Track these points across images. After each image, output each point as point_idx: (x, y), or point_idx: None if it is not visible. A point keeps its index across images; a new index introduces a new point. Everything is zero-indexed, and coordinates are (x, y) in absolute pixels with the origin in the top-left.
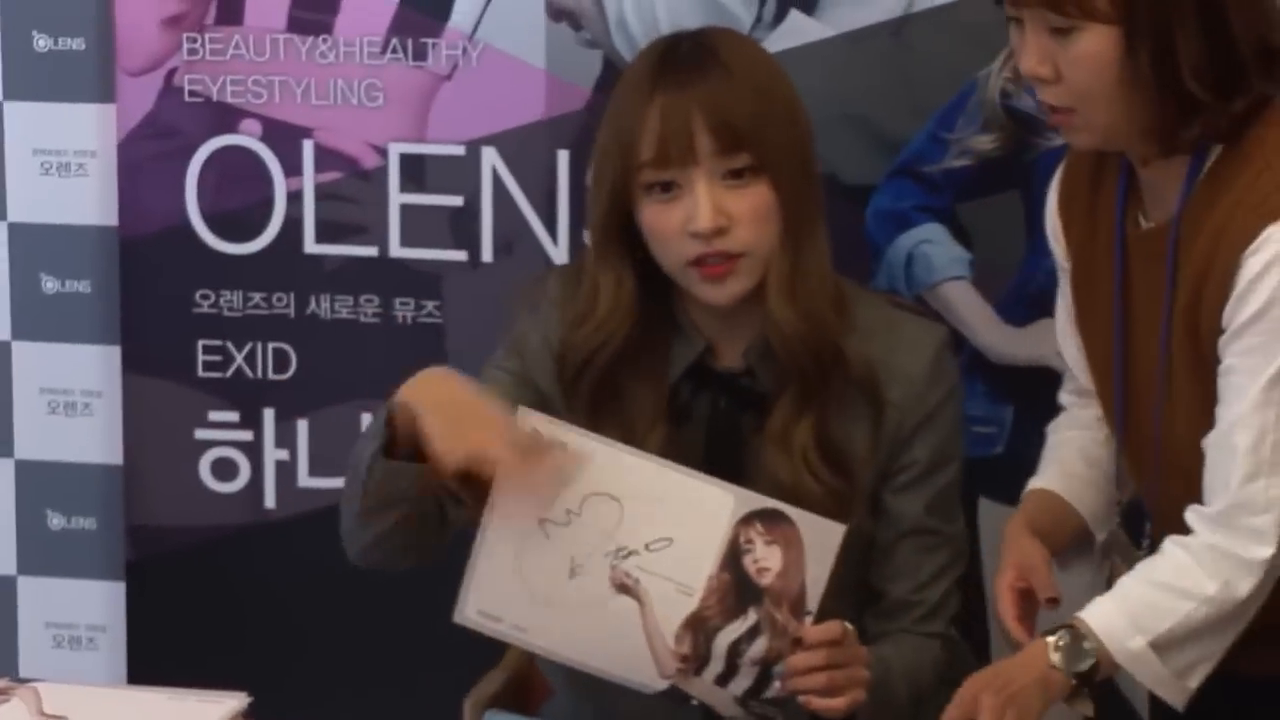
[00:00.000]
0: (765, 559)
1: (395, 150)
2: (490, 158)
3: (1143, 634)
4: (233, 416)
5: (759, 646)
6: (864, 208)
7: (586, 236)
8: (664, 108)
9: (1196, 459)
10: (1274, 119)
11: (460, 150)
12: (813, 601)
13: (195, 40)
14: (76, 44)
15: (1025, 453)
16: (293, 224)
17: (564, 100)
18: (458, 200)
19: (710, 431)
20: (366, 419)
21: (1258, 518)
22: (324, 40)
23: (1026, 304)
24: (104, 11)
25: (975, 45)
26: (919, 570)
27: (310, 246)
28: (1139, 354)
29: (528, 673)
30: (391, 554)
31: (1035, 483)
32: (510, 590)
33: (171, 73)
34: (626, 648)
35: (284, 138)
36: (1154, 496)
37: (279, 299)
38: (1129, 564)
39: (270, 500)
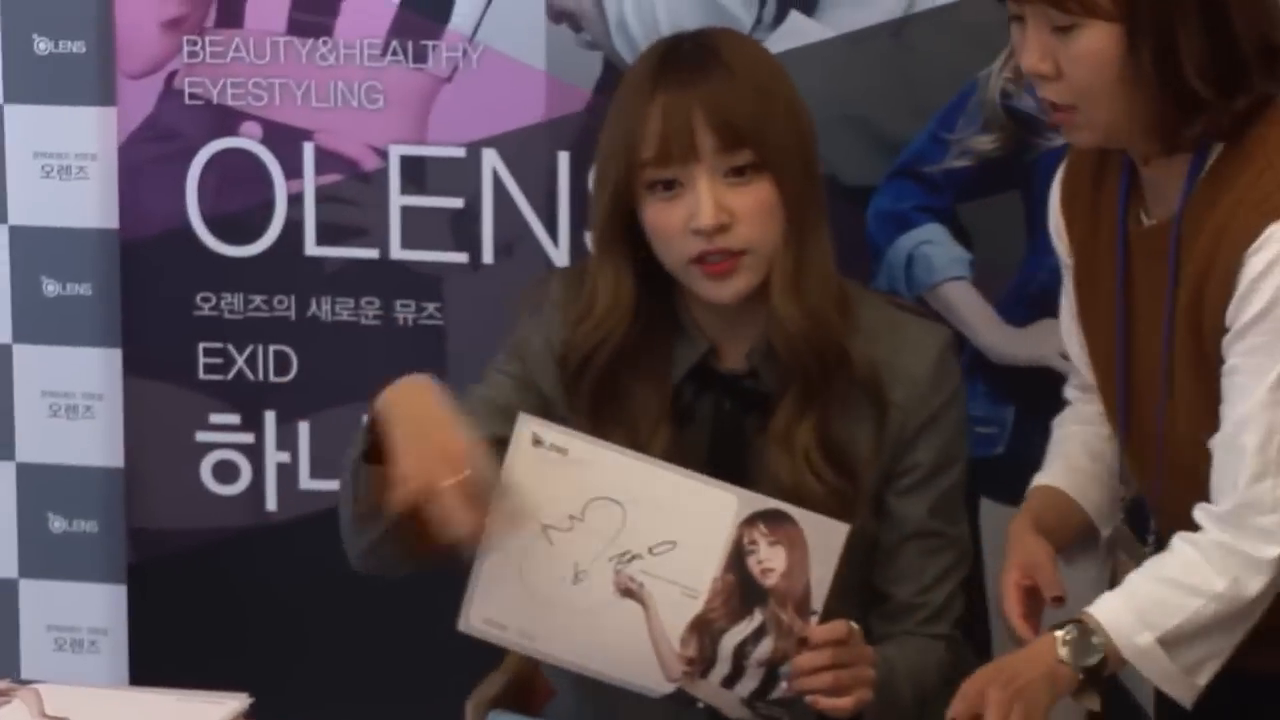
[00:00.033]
0: (769, 560)
1: (396, 152)
2: (491, 159)
3: (1151, 630)
4: (234, 419)
5: (765, 647)
6: (864, 209)
7: (588, 238)
8: (666, 106)
9: (1198, 457)
10: (1275, 117)
11: (461, 152)
12: (818, 601)
13: (195, 43)
14: (77, 47)
15: (1026, 453)
16: (293, 226)
17: (564, 102)
18: (458, 202)
19: (714, 433)
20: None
21: (1266, 517)
22: (324, 43)
23: (1027, 304)
24: (104, 14)
25: (975, 46)
26: (923, 573)
27: (311, 249)
28: (1141, 351)
29: (529, 674)
30: (389, 560)
31: (1040, 479)
32: (514, 598)
33: (172, 75)
34: (632, 652)
35: (284, 140)
36: (1156, 494)
37: (280, 301)
38: (1134, 559)
39: (271, 503)
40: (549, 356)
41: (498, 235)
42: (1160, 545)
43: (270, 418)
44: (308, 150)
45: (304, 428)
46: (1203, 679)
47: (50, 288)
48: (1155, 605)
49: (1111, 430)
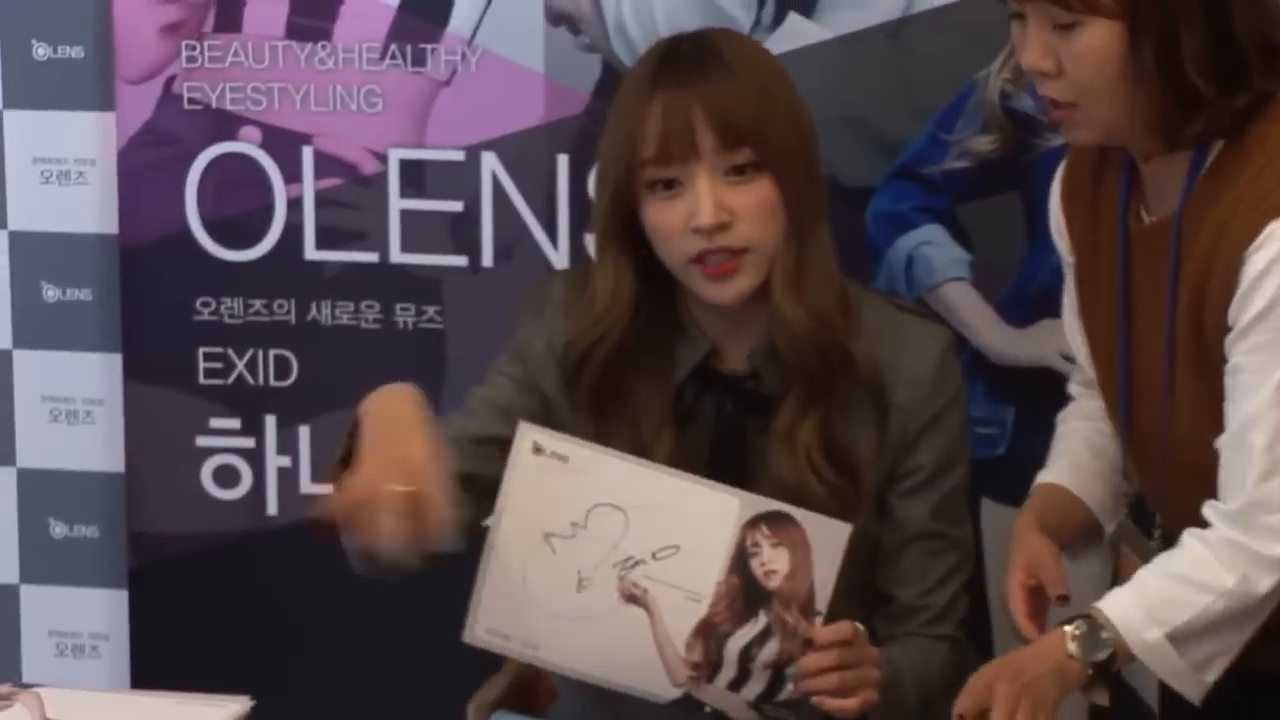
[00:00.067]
0: (773, 562)
1: (395, 156)
2: (490, 163)
3: (1160, 626)
4: (234, 423)
5: (770, 650)
6: (863, 210)
7: (587, 241)
8: (665, 106)
9: (1200, 454)
10: (1275, 115)
11: (460, 155)
12: (822, 602)
13: (194, 48)
14: (75, 52)
15: (1027, 454)
16: (293, 230)
17: (563, 105)
18: (458, 205)
19: (716, 434)
20: None
21: (1275, 515)
22: (323, 47)
23: (1027, 305)
24: (103, 19)
25: (974, 46)
26: (926, 574)
27: (310, 253)
28: (1142, 349)
29: (531, 677)
30: (387, 562)
31: (1043, 476)
32: (518, 607)
33: (170, 80)
34: (638, 658)
35: (283, 144)
36: (1158, 491)
37: (280, 306)
38: (1138, 552)
39: (272, 507)
40: (550, 358)
41: (497, 238)
42: (1166, 539)
43: (271, 422)
44: (307, 154)
45: (304, 432)
46: (1211, 676)
47: (50, 293)
48: (1164, 601)
49: (1114, 426)
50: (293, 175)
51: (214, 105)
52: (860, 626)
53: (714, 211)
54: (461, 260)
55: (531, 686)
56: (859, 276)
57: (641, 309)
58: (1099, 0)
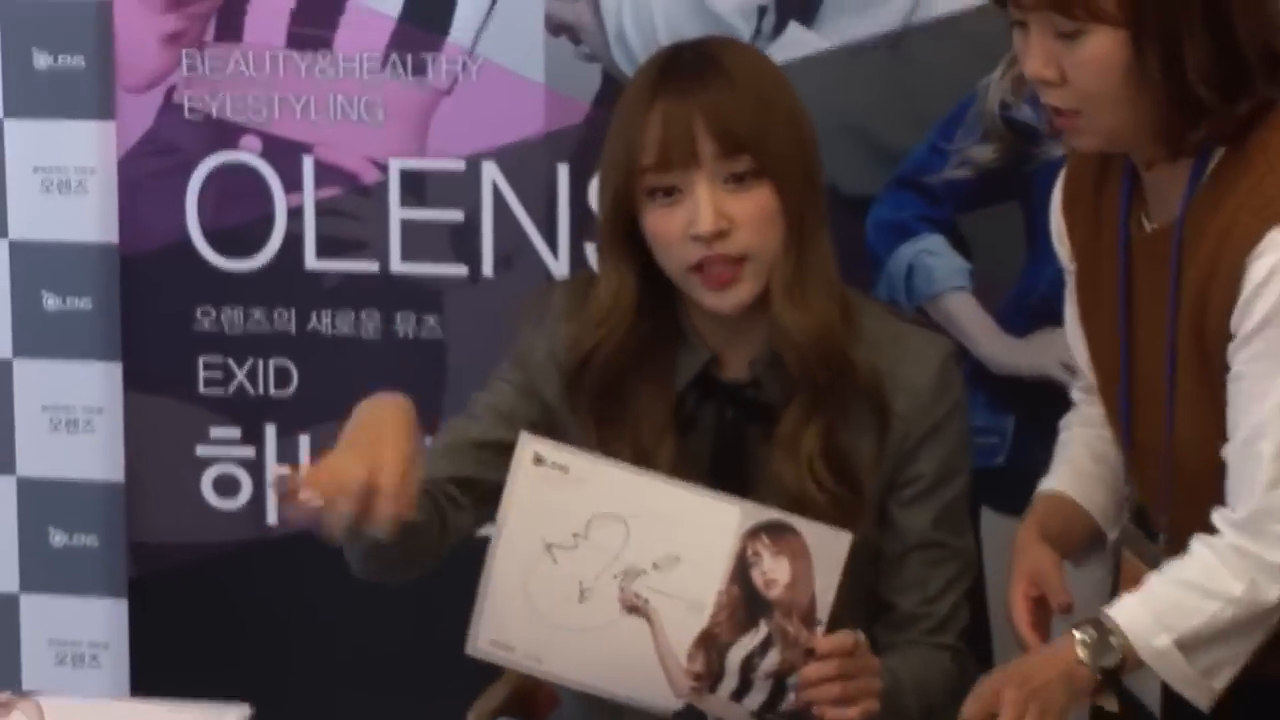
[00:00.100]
0: (773, 571)
1: (395, 166)
2: (490, 172)
3: (1168, 632)
4: (234, 433)
5: (772, 659)
6: (864, 219)
7: (588, 250)
8: (666, 114)
9: (1202, 460)
10: (1277, 122)
11: (460, 165)
12: (823, 611)
13: (195, 57)
14: (76, 61)
15: (1027, 463)
16: (293, 240)
17: (564, 114)
18: (458, 215)
19: (716, 442)
20: None
21: None
22: (323, 56)
23: (1027, 314)
24: (104, 29)
25: (974, 56)
26: (928, 583)
27: (311, 262)
28: (1143, 356)
29: (531, 685)
30: (389, 566)
31: (1046, 483)
32: (521, 618)
33: (171, 90)
34: (640, 669)
35: (284, 154)
36: (1160, 501)
37: (280, 315)
38: (1142, 556)
39: (272, 517)
40: (552, 365)
41: (497, 248)
42: (1171, 543)
43: (271, 431)
44: (307, 164)
45: (305, 441)
46: (1220, 683)
47: (50, 302)
48: (1173, 607)
49: (1114, 434)
50: (293, 185)
51: (214, 115)
52: (861, 636)
53: (713, 219)
54: (462, 270)
55: (531, 695)
56: (859, 285)
57: (643, 315)
58: (1103, 8)
